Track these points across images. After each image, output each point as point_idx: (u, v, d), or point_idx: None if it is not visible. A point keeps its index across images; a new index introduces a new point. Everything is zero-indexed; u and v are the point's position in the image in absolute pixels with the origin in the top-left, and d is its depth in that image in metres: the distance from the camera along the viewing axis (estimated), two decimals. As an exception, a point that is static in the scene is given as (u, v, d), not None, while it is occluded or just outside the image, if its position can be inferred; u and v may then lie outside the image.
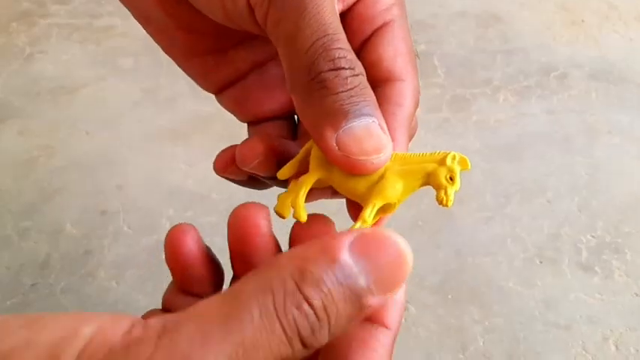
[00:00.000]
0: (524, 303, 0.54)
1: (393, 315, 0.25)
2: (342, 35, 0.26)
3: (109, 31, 0.80)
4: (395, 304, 0.25)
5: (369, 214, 0.27)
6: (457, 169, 0.28)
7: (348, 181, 0.27)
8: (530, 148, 0.67)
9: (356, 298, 0.21)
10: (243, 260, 0.28)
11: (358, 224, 0.27)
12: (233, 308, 0.20)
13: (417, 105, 0.29)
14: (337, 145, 0.25)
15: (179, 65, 0.36)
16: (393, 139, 0.27)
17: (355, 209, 0.29)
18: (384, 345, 0.24)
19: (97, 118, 0.72)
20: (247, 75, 0.35)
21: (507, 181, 0.64)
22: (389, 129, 0.27)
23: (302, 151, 0.29)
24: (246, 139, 0.31)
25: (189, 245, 0.28)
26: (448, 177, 0.27)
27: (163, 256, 0.31)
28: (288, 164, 0.30)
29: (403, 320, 0.53)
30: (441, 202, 0.27)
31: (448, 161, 0.27)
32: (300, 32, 0.25)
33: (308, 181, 0.28)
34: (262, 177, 0.32)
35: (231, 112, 0.37)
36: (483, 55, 0.79)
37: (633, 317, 0.53)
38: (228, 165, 0.32)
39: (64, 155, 0.68)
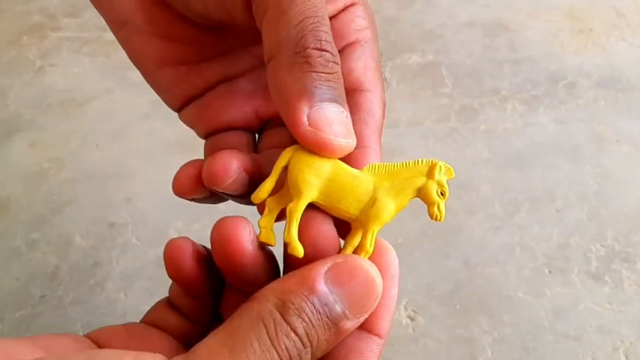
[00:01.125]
0: (533, 313, 0.54)
1: (386, 325, 0.26)
2: (329, 23, 0.26)
3: (118, 44, 0.81)
4: (388, 314, 0.26)
5: (369, 243, 0.27)
6: (445, 180, 0.28)
7: (340, 203, 0.27)
8: (538, 157, 0.67)
9: (333, 323, 0.23)
10: (234, 275, 0.28)
11: (362, 254, 0.27)
12: (236, 343, 0.22)
13: (384, 118, 0.30)
14: (308, 120, 0.25)
15: (146, 75, 0.35)
16: (367, 146, 0.27)
17: (341, 227, 0.28)
18: (377, 354, 0.25)
19: (106, 131, 0.73)
20: (214, 87, 0.34)
21: (516, 190, 0.64)
22: (363, 136, 0.28)
23: (276, 170, 0.28)
24: (215, 155, 0.29)
25: (188, 261, 0.29)
26: (439, 192, 0.27)
27: (170, 269, 0.32)
28: (262, 186, 0.28)
29: (411, 331, 0.53)
30: (435, 218, 0.27)
31: (436, 175, 0.27)
32: (292, 7, 0.25)
33: (299, 209, 0.26)
34: (231, 195, 0.30)
35: (192, 126, 0.36)
36: (491, 64, 0.79)
37: (644, 327, 0.53)
38: (194, 186, 0.31)
39: (74, 167, 0.69)
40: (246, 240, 0.27)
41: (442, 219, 0.28)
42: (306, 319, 0.23)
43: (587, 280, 0.56)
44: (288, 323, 0.23)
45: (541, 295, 0.55)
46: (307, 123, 0.25)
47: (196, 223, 0.62)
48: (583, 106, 0.73)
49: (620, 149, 0.67)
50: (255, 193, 0.28)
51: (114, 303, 0.56)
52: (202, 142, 0.36)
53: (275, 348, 0.22)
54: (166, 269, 0.30)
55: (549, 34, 0.84)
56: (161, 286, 0.56)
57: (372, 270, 0.25)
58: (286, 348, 0.22)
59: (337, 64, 0.26)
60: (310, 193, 0.26)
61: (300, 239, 0.27)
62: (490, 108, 0.73)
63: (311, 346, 0.23)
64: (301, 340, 0.23)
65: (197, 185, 0.30)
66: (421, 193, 0.27)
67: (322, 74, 0.25)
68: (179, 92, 0.34)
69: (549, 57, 0.80)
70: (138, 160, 0.69)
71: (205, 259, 0.30)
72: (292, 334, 0.22)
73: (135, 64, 0.35)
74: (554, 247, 0.59)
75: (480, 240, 0.59)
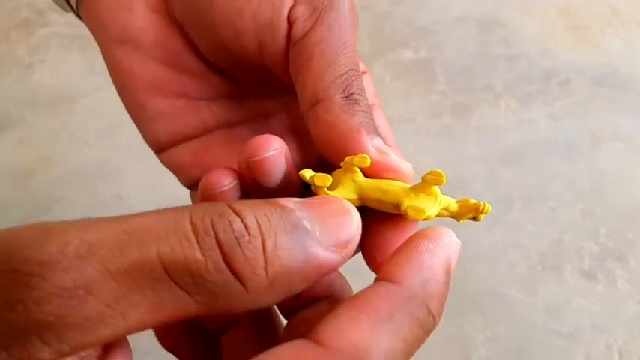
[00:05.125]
0: (526, 311, 0.54)
1: (406, 273, 0.21)
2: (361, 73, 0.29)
3: (108, 40, 0.80)
4: (409, 263, 0.22)
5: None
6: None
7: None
8: (532, 154, 0.67)
9: (298, 236, 0.20)
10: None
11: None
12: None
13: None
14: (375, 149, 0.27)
15: (132, 99, 0.32)
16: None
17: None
18: (387, 299, 0.20)
19: (96, 128, 0.72)
20: (212, 131, 0.33)
21: (509, 187, 0.64)
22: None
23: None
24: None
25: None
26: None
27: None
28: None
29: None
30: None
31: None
32: (338, 59, 0.28)
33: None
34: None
35: (180, 168, 0.33)
36: (485, 60, 0.79)
37: (637, 325, 0.52)
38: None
39: (64, 165, 0.68)
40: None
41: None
42: (261, 213, 0.19)
43: (581, 278, 0.56)
44: (232, 207, 0.19)
45: (534, 293, 0.55)
46: (376, 151, 0.26)
47: (187, 222, 0.61)
48: (577, 103, 0.73)
49: (614, 147, 0.67)
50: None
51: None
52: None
53: (191, 218, 0.18)
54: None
55: (543, 30, 0.83)
56: (152, 285, 0.56)
57: (347, 203, 0.23)
58: (211, 223, 0.18)
59: (369, 105, 0.29)
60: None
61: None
62: (483, 105, 0.73)
63: (262, 240, 0.19)
64: (245, 224, 0.19)
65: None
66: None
67: (368, 114, 0.28)
68: (169, 126, 0.32)
69: (543, 53, 0.80)
70: (128, 158, 0.68)
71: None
72: (232, 216, 0.19)
73: (122, 87, 0.33)
74: (548, 245, 0.58)
75: (473, 238, 0.59)
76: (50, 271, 0.17)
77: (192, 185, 0.34)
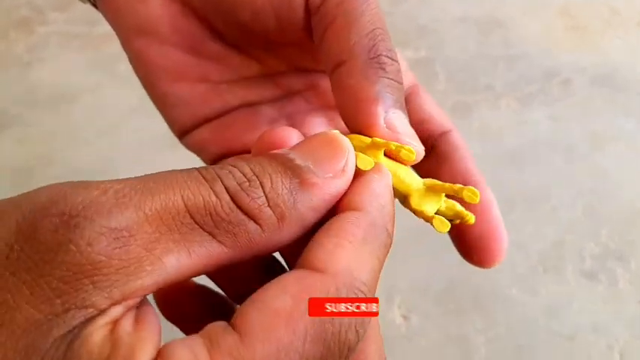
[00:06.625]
0: (527, 312, 0.53)
1: (366, 201, 0.23)
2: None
3: (107, 38, 0.80)
4: (368, 191, 0.23)
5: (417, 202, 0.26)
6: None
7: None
8: (533, 155, 0.67)
9: (292, 173, 0.21)
10: None
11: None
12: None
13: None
14: (385, 123, 0.26)
15: (155, 89, 0.32)
16: (480, 182, 0.29)
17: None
18: (358, 225, 0.22)
19: (95, 126, 0.72)
20: (234, 110, 0.33)
21: (510, 188, 0.63)
22: (472, 172, 0.29)
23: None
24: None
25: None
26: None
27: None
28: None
29: (405, 330, 0.52)
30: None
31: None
32: (363, 17, 0.27)
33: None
34: None
35: (201, 148, 0.33)
36: (485, 60, 0.79)
37: (638, 326, 0.52)
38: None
39: (62, 163, 0.68)
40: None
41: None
42: (255, 161, 0.21)
43: (582, 278, 0.56)
44: (228, 162, 0.21)
45: (535, 293, 0.55)
46: (384, 125, 0.25)
47: (187, 221, 0.61)
48: (578, 103, 0.72)
49: (615, 147, 0.67)
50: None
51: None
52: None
53: (199, 170, 0.20)
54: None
55: (544, 30, 0.83)
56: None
57: (335, 131, 0.23)
58: (215, 171, 0.20)
59: (401, 75, 0.27)
60: None
61: None
62: (484, 105, 0.73)
63: (259, 180, 0.21)
64: (242, 171, 0.21)
65: None
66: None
67: (394, 82, 0.26)
68: (192, 110, 0.33)
69: (544, 53, 0.79)
70: (127, 156, 0.68)
71: None
72: (230, 167, 0.21)
73: (144, 77, 0.33)
74: (549, 246, 0.58)
75: (474, 238, 0.59)
76: (96, 214, 0.18)
77: (214, 163, 0.34)
